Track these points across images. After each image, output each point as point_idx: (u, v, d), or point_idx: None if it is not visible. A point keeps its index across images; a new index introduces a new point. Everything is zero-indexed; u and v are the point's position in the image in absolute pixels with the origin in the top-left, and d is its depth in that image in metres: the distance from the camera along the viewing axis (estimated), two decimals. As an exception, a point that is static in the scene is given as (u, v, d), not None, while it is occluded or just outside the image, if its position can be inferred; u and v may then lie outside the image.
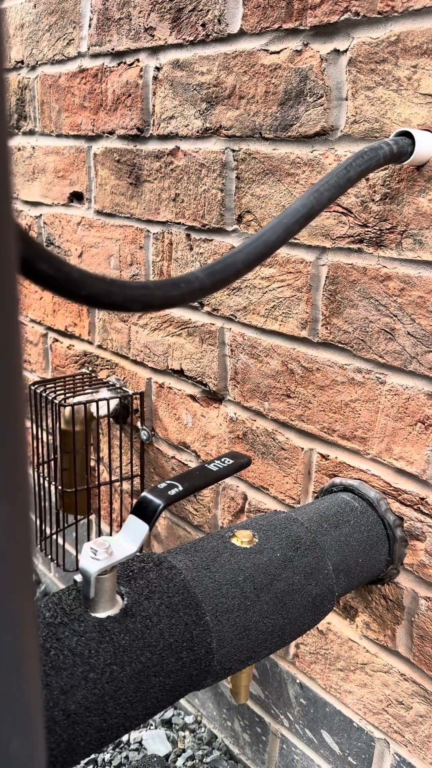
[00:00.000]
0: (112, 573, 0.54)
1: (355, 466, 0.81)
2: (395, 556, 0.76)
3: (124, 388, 1.18)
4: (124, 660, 0.53)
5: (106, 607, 0.55)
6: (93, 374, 1.26)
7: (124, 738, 1.18)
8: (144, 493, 0.58)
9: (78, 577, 0.55)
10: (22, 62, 1.30)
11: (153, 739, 1.18)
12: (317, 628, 0.90)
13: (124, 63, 1.03)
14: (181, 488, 0.58)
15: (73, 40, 1.13)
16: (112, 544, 0.55)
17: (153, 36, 0.96)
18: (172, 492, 0.58)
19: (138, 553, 0.57)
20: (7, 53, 1.30)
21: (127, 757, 1.15)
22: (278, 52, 0.79)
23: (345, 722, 0.90)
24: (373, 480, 0.79)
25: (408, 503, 0.75)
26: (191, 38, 0.90)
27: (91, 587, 0.53)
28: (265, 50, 0.80)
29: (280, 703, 1.01)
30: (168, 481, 0.59)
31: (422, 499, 0.73)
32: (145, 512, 0.56)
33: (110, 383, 1.20)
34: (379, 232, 0.72)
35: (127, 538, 0.56)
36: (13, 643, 0.24)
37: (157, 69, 0.97)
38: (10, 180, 0.22)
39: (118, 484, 1.22)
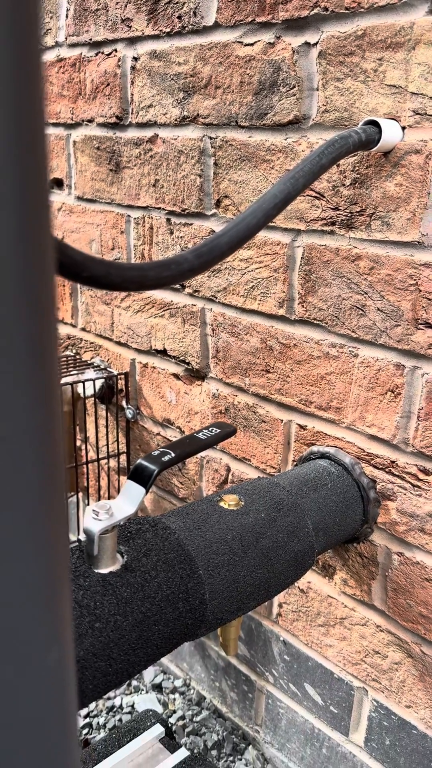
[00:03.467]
0: (113, 532, 0.59)
1: (332, 435, 0.86)
2: (369, 516, 0.82)
3: (108, 368, 1.22)
4: (127, 610, 0.58)
5: (108, 564, 0.60)
6: (77, 356, 1.30)
7: (117, 702, 1.24)
8: (139, 460, 0.63)
9: (82, 537, 0.59)
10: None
11: (144, 703, 1.24)
12: (299, 587, 0.97)
13: (102, 53, 1.06)
14: (173, 455, 0.63)
15: (51, 29, 1.16)
16: (113, 506, 0.60)
17: (130, 27, 1.00)
18: (166, 458, 0.63)
19: (135, 517, 0.62)
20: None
21: (120, 720, 1.21)
22: (252, 44, 0.83)
23: (326, 674, 0.97)
24: (348, 447, 0.85)
25: (380, 466, 0.81)
26: (168, 30, 0.94)
27: (94, 545, 0.58)
28: (239, 42, 0.85)
29: (265, 660, 1.07)
30: (161, 449, 0.64)
31: (393, 462, 0.80)
32: (142, 477, 0.61)
33: (95, 364, 1.24)
34: (349, 215, 0.77)
35: (125, 501, 0.61)
36: (51, 565, 0.29)
37: (135, 59, 1.01)
38: (47, 175, 0.26)
39: (105, 462, 1.26)
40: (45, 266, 0.24)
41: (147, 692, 1.27)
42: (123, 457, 1.23)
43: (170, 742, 0.84)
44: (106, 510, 0.59)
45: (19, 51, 0.21)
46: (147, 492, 0.61)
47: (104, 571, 0.59)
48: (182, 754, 0.81)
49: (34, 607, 0.28)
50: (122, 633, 0.58)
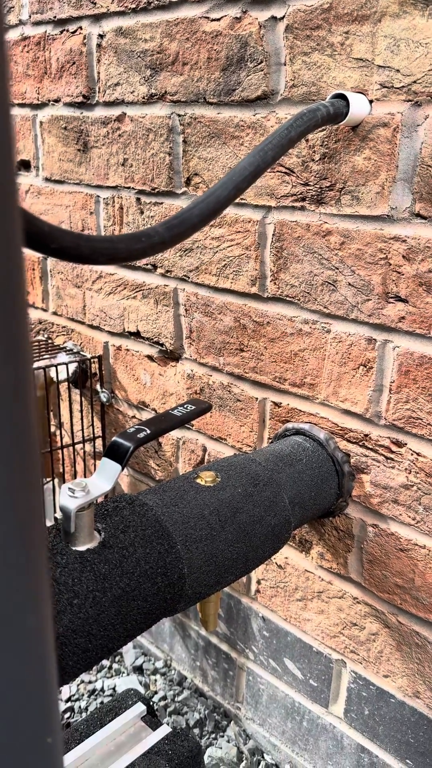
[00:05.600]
0: (90, 509, 0.59)
1: (306, 411, 0.87)
2: (344, 489, 0.83)
3: (81, 352, 1.21)
4: (105, 586, 0.58)
5: (86, 541, 0.60)
6: (49, 341, 1.28)
7: (99, 685, 1.24)
8: (115, 438, 0.62)
9: (58, 515, 0.59)
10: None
11: (126, 685, 1.25)
12: (276, 562, 0.98)
13: (67, 31, 1.05)
14: (149, 431, 0.63)
15: (14, 7, 1.14)
16: (89, 483, 0.60)
17: (95, 3, 0.98)
18: (141, 435, 0.63)
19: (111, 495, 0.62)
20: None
21: (102, 703, 1.21)
22: (219, 20, 0.82)
23: (305, 648, 0.98)
24: (322, 422, 0.85)
25: (354, 440, 0.82)
26: (134, 6, 0.92)
27: (71, 522, 0.58)
28: (206, 17, 0.84)
29: (245, 638, 1.08)
30: (136, 426, 0.64)
31: (366, 435, 0.80)
32: (117, 454, 0.61)
33: (67, 348, 1.23)
34: (319, 190, 0.78)
35: (101, 478, 0.61)
36: (25, 534, 0.29)
37: (101, 36, 0.99)
38: (13, 151, 0.26)
39: (80, 446, 1.25)
40: (12, 237, 0.24)
41: (128, 675, 1.28)
42: (98, 441, 1.23)
43: (152, 719, 0.84)
44: (82, 487, 0.59)
45: None
46: (123, 468, 0.61)
47: (82, 548, 0.59)
48: (164, 730, 0.81)
49: (9, 570, 0.27)
50: (101, 609, 0.58)
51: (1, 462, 0.25)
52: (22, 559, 0.28)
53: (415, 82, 0.67)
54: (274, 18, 0.77)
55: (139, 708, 0.84)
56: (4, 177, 0.23)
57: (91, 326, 1.18)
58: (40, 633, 0.31)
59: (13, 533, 0.27)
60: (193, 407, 0.70)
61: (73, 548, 0.59)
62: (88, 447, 1.26)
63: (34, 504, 0.28)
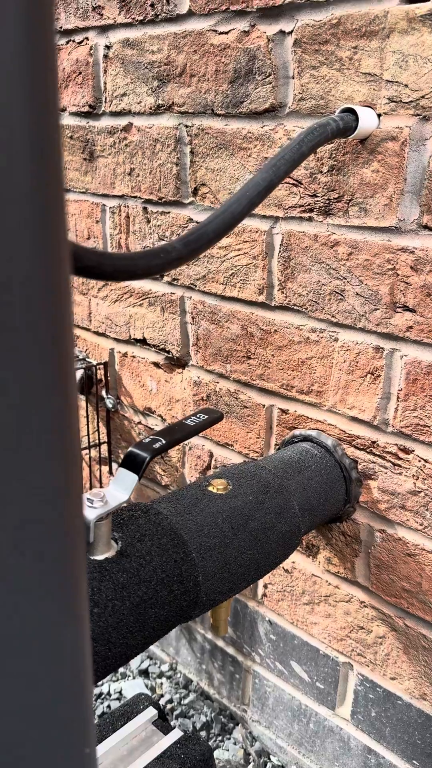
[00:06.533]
0: (108, 519, 0.60)
1: (313, 418, 0.88)
2: (352, 495, 0.84)
3: (87, 359, 1.22)
4: (124, 595, 0.60)
5: (104, 551, 0.61)
6: (54, 347, 1.29)
7: (105, 689, 1.25)
8: (131, 448, 0.63)
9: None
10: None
11: (132, 689, 1.26)
12: (283, 567, 0.99)
13: (73, 41, 1.05)
14: (164, 441, 0.64)
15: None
16: (107, 494, 0.61)
17: (102, 15, 0.99)
18: (157, 445, 0.64)
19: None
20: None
21: (109, 707, 1.22)
22: (227, 33, 0.84)
23: (312, 651, 1.00)
24: (329, 429, 0.87)
25: (361, 447, 0.83)
26: (141, 18, 0.93)
27: (90, 533, 0.59)
28: (214, 30, 0.85)
29: (252, 641, 1.10)
30: (152, 436, 0.65)
31: (374, 442, 0.82)
32: (134, 464, 0.62)
33: (73, 355, 1.23)
34: (327, 202, 0.79)
35: (118, 489, 0.62)
36: (71, 555, 0.30)
37: (107, 47, 1.00)
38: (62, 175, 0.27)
39: (86, 452, 1.26)
40: (62, 264, 0.25)
41: (134, 678, 1.29)
42: (104, 447, 1.24)
43: (163, 724, 0.85)
44: (101, 498, 0.60)
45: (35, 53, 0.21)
46: (140, 479, 0.62)
47: (100, 557, 0.60)
48: (176, 734, 0.82)
49: (53, 592, 0.28)
50: (120, 617, 0.59)
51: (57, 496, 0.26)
52: (68, 585, 0.29)
53: (423, 97, 0.68)
54: (282, 32, 0.78)
55: (151, 712, 0.85)
56: (57, 216, 0.24)
57: (97, 333, 1.19)
58: (80, 651, 0.32)
59: (59, 559, 0.28)
60: (206, 416, 0.71)
61: (92, 557, 0.60)
62: (93, 452, 1.26)
63: (77, 525, 0.29)
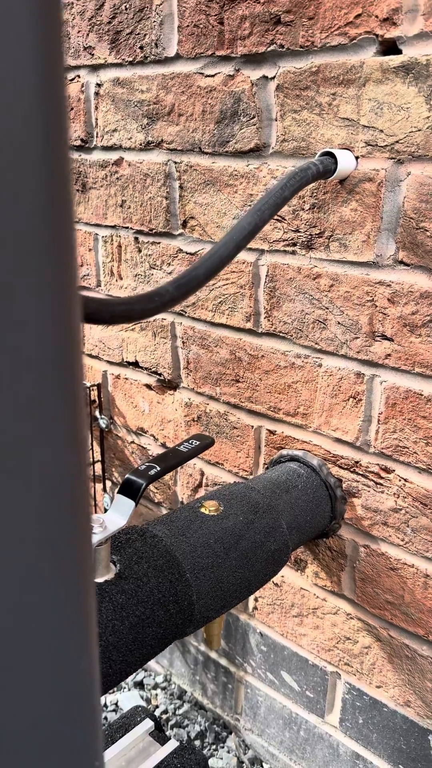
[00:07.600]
0: (107, 544, 0.64)
1: (299, 439, 0.93)
2: (337, 512, 0.89)
3: (80, 380, 1.26)
4: (123, 615, 0.63)
5: (103, 573, 0.65)
6: (48, 369, 1.33)
7: (102, 701, 1.29)
8: (128, 475, 0.67)
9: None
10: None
11: (128, 700, 1.29)
12: (273, 581, 1.03)
13: (65, 78, 1.10)
14: (159, 468, 0.68)
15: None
16: (105, 519, 0.65)
17: (93, 54, 1.03)
18: (152, 472, 0.68)
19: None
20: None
21: (106, 718, 1.25)
22: (213, 76, 0.88)
23: (301, 662, 1.04)
24: (315, 449, 0.91)
25: (345, 467, 0.88)
26: (130, 59, 0.98)
27: (90, 557, 0.63)
28: (200, 73, 0.90)
29: (243, 652, 1.13)
30: (147, 463, 0.69)
31: (357, 462, 0.86)
32: (131, 490, 0.66)
33: (67, 377, 1.27)
34: (309, 237, 0.84)
35: (116, 514, 0.66)
36: (80, 589, 0.34)
37: (98, 85, 1.05)
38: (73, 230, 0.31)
39: (79, 470, 1.30)
40: (73, 310, 0.28)
41: (129, 690, 1.32)
42: (98, 466, 1.27)
43: (159, 735, 0.89)
44: (100, 523, 0.64)
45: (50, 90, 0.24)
46: (136, 505, 0.66)
47: (100, 580, 0.64)
48: (172, 745, 0.86)
49: (67, 622, 0.32)
50: (120, 636, 0.63)
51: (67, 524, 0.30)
52: (80, 612, 0.33)
53: (397, 142, 0.73)
54: (265, 77, 0.83)
55: (147, 724, 0.89)
56: (69, 267, 0.28)
57: (90, 355, 1.23)
58: (89, 671, 0.36)
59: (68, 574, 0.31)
60: (198, 442, 0.75)
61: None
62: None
63: (86, 552, 0.33)
